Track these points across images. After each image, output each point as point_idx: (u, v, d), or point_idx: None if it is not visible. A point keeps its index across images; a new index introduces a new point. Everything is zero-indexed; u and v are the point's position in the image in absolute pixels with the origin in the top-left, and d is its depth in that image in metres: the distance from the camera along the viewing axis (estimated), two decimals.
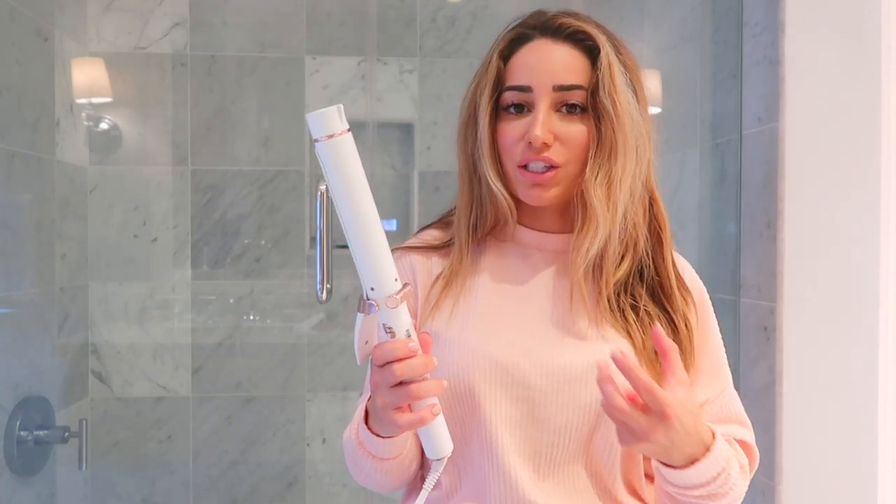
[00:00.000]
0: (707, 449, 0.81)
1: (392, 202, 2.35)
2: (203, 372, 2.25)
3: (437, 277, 0.95)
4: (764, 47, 1.55)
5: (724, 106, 1.75)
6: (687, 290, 0.93)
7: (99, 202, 2.20)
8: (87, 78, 2.15)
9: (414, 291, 0.95)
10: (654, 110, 2.06)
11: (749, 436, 0.95)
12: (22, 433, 1.78)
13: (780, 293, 1.49)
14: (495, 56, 0.90)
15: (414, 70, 2.31)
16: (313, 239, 2.16)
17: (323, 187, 1.71)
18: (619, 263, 0.90)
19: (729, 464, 0.84)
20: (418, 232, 1.02)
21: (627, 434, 0.77)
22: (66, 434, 1.89)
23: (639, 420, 0.76)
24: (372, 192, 0.72)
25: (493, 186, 0.89)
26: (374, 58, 2.28)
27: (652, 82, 2.06)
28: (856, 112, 1.31)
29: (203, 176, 2.24)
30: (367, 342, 0.77)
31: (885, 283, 1.26)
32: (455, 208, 0.97)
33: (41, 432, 1.84)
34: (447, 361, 0.89)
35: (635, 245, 0.90)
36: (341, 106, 0.69)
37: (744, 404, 0.98)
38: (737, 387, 1.01)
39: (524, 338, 0.89)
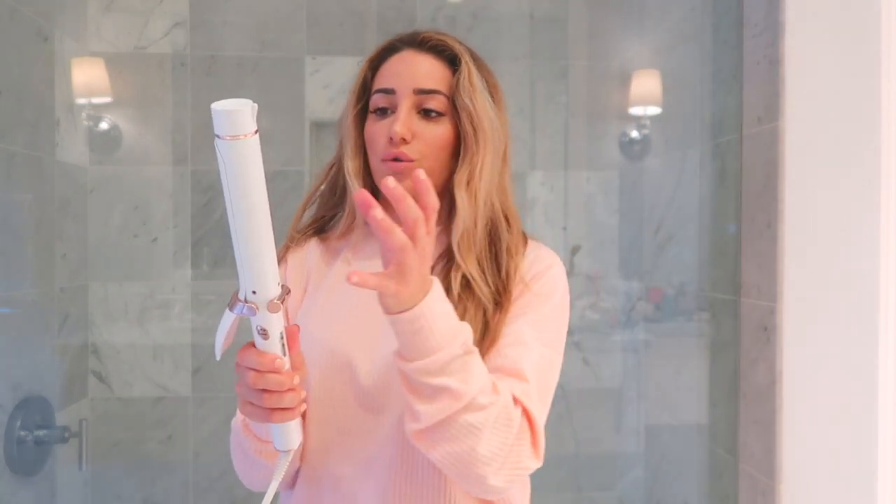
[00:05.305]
0: (427, 294, 0.75)
1: None
2: (203, 372, 2.25)
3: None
4: (764, 47, 1.55)
5: (724, 106, 1.75)
6: (525, 284, 0.94)
7: (99, 202, 2.20)
8: (87, 78, 2.15)
9: (306, 280, 1.05)
10: (654, 110, 2.06)
11: (529, 399, 0.85)
12: (22, 433, 1.78)
13: (780, 293, 1.49)
14: (365, 64, 1.02)
15: None
16: None
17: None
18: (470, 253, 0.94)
19: (465, 346, 0.78)
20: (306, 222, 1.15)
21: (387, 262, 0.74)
22: (66, 434, 1.89)
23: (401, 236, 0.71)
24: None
25: (349, 181, 1.01)
26: None
27: (652, 82, 2.06)
28: (856, 112, 1.31)
29: (203, 176, 2.24)
30: (227, 338, 0.76)
31: (885, 283, 1.26)
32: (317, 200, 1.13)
33: (41, 432, 1.84)
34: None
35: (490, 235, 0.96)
36: (255, 105, 0.65)
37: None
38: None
39: (356, 325, 0.95)
